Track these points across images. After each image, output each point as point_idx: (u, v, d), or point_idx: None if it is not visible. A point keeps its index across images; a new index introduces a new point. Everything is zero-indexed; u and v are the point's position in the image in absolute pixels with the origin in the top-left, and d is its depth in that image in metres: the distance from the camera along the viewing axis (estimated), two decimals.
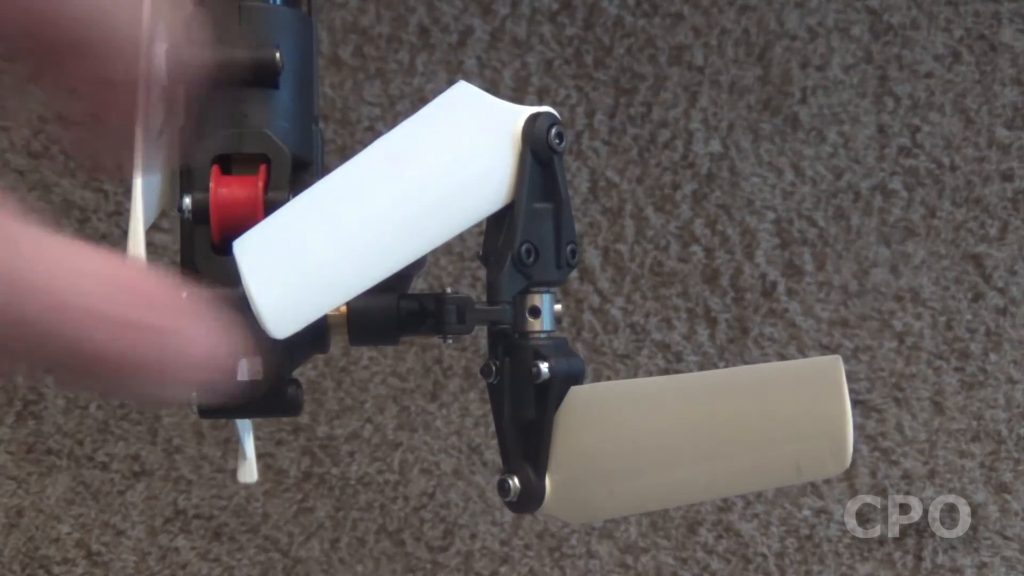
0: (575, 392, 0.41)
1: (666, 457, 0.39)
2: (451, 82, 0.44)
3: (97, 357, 0.23)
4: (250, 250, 0.37)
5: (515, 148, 0.42)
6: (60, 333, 0.22)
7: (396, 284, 0.43)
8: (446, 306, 0.42)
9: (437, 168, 0.41)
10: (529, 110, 0.43)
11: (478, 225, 0.93)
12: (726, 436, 0.38)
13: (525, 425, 0.42)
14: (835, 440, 0.35)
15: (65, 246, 0.23)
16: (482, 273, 0.90)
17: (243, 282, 0.36)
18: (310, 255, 0.38)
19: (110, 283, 0.23)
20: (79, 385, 0.25)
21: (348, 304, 0.43)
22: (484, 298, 0.43)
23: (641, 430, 0.40)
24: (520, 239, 0.42)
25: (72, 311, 0.22)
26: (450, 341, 0.43)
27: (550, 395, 0.42)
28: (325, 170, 0.44)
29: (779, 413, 0.37)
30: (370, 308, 0.43)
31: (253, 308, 0.35)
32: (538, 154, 0.42)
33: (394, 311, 0.43)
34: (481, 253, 0.44)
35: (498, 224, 0.43)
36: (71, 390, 0.27)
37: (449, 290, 0.43)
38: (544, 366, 0.41)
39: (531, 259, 0.42)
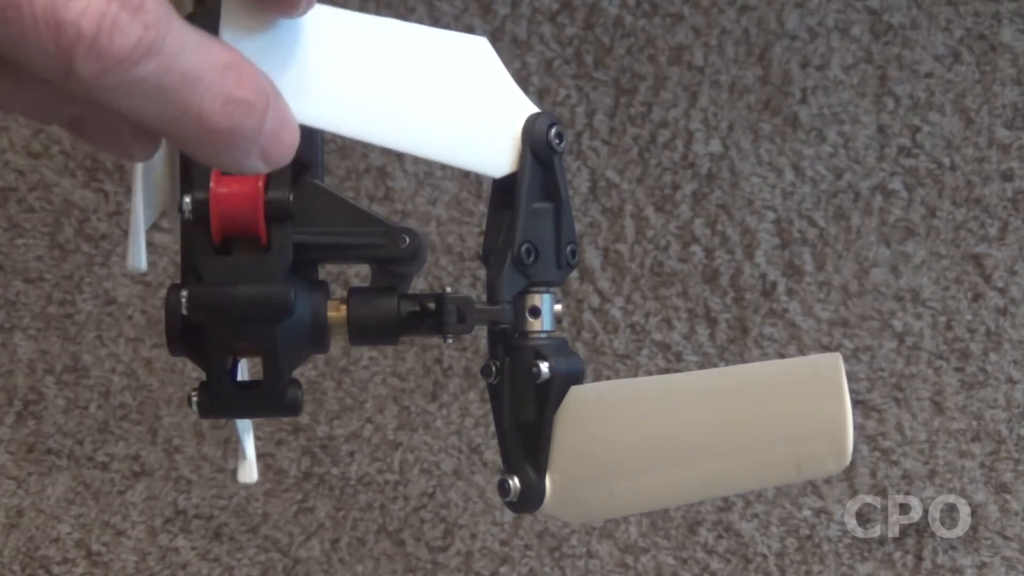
0: (575, 392, 0.41)
1: (666, 456, 0.39)
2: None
3: (214, 125, 0.30)
4: (235, 23, 0.36)
5: (515, 135, 0.42)
6: (190, 100, 0.29)
7: (396, 284, 0.43)
8: (446, 306, 0.42)
9: (438, 91, 0.41)
10: (533, 108, 0.43)
11: (478, 225, 0.93)
12: (726, 435, 0.38)
13: (525, 425, 0.42)
14: (835, 439, 0.35)
15: (206, 42, 0.30)
16: (482, 273, 0.90)
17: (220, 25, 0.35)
18: (291, 50, 0.37)
19: (231, 69, 0.30)
20: (191, 147, 0.31)
21: (348, 304, 0.43)
22: (484, 298, 0.43)
23: (641, 429, 0.40)
24: (520, 239, 0.42)
25: (203, 88, 0.30)
26: (450, 341, 0.43)
27: (550, 395, 0.41)
28: (325, 170, 0.44)
29: (779, 412, 0.37)
30: (370, 308, 0.43)
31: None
32: (538, 154, 0.42)
33: (394, 311, 0.43)
34: (481, 253, 0.44)
35: (498, 223, 0.43)
36: (184, 148, 0.31)
37: (449, 290, 0.43)
38: (544, 366, 0.41)
39: (531, 259, 0.42)
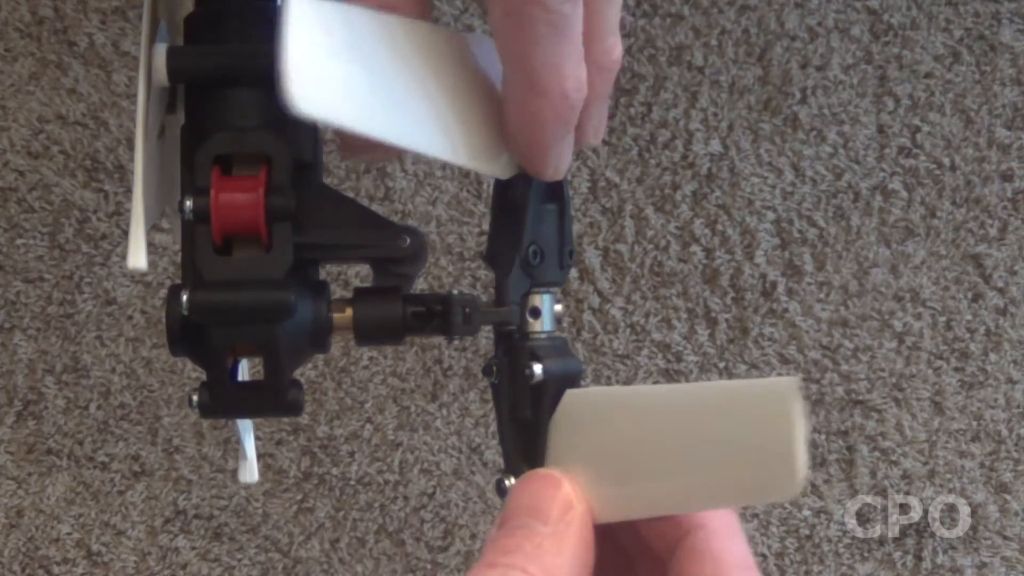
0: (568, 396, 0.41)
1: (632, 468, 0.38)
2: None
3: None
4: (305, 10, 0.35)
5: None
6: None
7: (400, 284, 0.43)
8: (453, 307, 0.42)
9: (452, 91, 0.40)
10: None
11: (478, 225, 0.93)
12: (683, 453, 0.37)
13: (523, 426, 0.42)
14: (785, 463, 0.34)
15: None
16: (482, 273, 0.90)
17: (283, 31, 0.34)
18: (360, 66, 0.37)
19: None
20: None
21: (354, 306, 0.42)
22: (484, 298, 0.43)
23: (613, 440, 0.39)
24: (527, 240, 0.42)
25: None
26: (456, 341, 0.43)
27: (544, 397, 0.41)
28: (325, 170, 0.44)
29: (733, 433, 0.36)
30: (376, 309, 0.43)
31: (283, 68, 0.34)
32: None
33: (399, 312, 0.42)
34: (486, 254, 0.43)
35: (503, 224, 0.43)
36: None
37: (456, 291, 0.43)
38: (538, 368, 0.41)
39: (537, 260, 0.42)
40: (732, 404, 0.37)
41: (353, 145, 0.40)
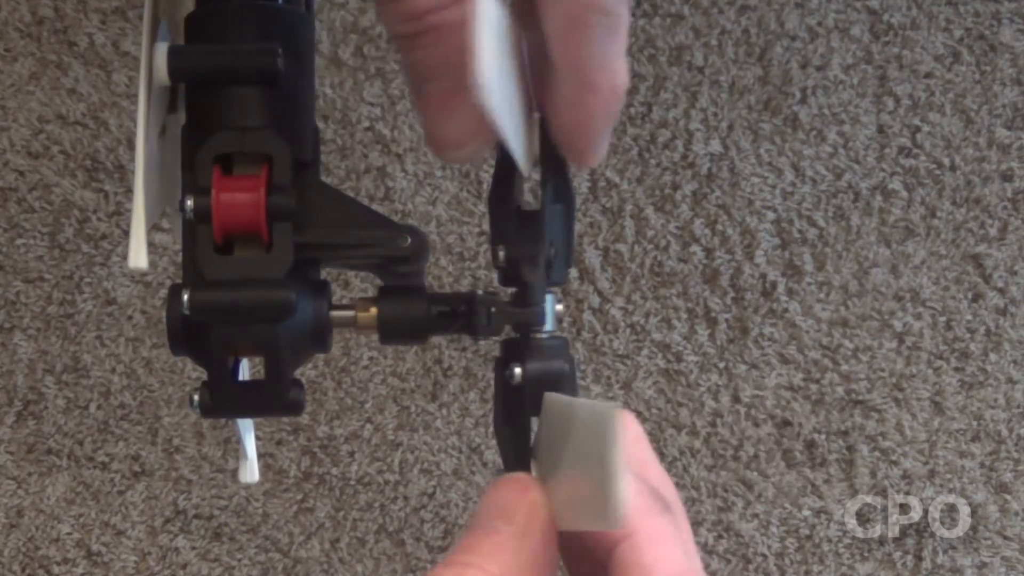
0: (547, 399, 0.41)
1: (555, 479, 0.38)
2: None
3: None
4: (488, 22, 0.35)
5: (536, 132, 0.42)
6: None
7: (421, 283, 0.43)
8: (477, 307, 0.42)
9: (516, 83, 0.41)
10: None
11: (478, 225, 0.93)
12: (566, 470, 0.37)
13: (514, 425, 0.42)
14: (604, 493, 0.32)
15: None
16: (482, 273, 0.90)
17: (473, 24, 0.33)
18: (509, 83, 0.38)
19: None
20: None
21: (378, 305, 0.42)
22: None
23: (553, 448, 0.39)
24: (547, 240, 0.42)
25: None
26: (480, 340, 0.43)
27: (524, 398, 0.41)
28: (325, 170, 0.44)
29: (579, 455, 0.35)
30: (401, 309, 0.42)
31: (477, 63, 0.33)
32: (556, 152, 0.42)
33: (425, 312, 0.42)
34: (508, 256, 0.43)
35: (523, 226, 0.42)
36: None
37: (480, 291, 0.42)
38: (518, 370, 0.41)
39: (556, 260, 0.42)
40: (576, 426, 0.35)
41: (448, 142, 0.40)
